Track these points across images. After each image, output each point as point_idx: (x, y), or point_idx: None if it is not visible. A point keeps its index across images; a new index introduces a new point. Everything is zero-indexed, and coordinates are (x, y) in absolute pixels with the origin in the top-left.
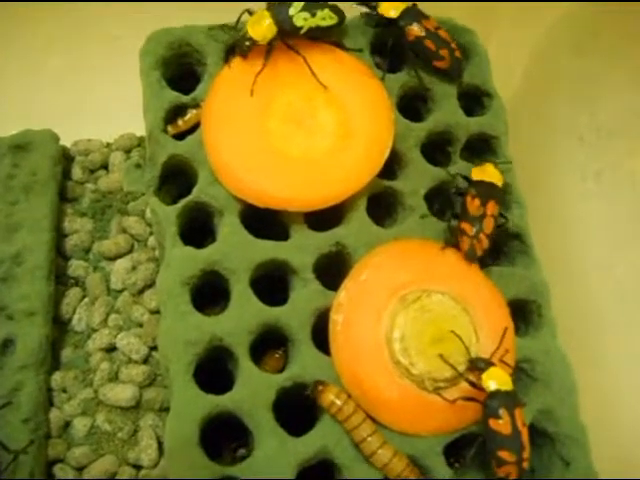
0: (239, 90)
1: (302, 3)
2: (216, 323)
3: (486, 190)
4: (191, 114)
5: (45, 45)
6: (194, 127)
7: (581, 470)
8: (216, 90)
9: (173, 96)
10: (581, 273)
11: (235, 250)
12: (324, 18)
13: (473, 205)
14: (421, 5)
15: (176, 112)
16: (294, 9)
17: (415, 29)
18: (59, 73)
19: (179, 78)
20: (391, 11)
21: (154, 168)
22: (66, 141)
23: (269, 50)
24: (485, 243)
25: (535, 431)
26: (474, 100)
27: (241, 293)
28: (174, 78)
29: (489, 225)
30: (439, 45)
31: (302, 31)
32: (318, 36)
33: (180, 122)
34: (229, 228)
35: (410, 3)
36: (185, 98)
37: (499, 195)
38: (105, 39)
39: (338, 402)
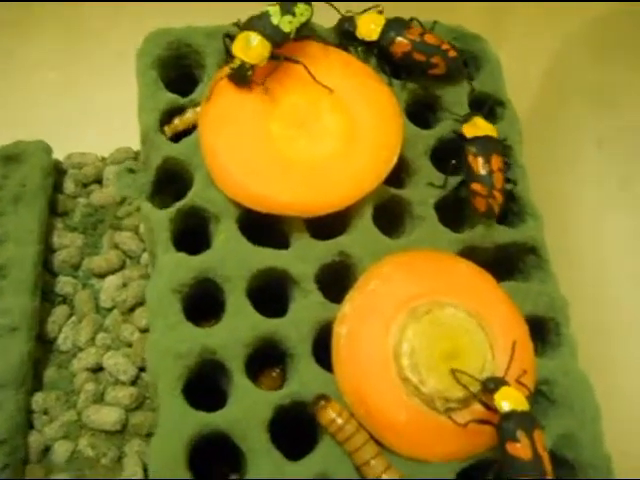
0: (239, 91)
1: (277, 6)
2: (209, 334)
3: (485, 145)
4: (189, 113)
5: (42, 58)
6: (190, 129)
7: None
8: (214, 90)
9: (170, 98)
10: (601, 288)
11: (231, 257)
12: (302, 13)
13: (477, 163)
14: (430, 15)
15: (173, 114)
16: (275, 17)
17: (400, 45)
18: (55, 86)
19: (176, 81)
20: (372, 34)
21: (148, 173)
22: (61, 155)
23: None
24: (500, 198)
25: (554, 458)
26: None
27: (236, 303)
28: (171, 81)
29: (499, 180)
30: (429, 53)
31: (292, 35)
32: (305, 34)
33: (177, 121)
34: (225, 234)
35: (379, 11)
36: (182, 100)
37: (499, 147)
38: (103, 52)
39: (339, 420)
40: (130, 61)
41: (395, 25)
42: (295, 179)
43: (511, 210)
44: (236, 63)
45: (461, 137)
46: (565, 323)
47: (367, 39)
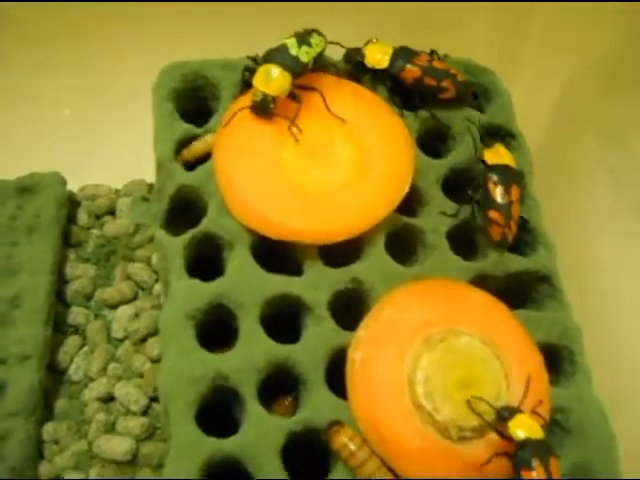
0: (253, 120)
1: (293, 38)
2: (222, 360)
3: (505, 174)
4: (196, 143)
5: (57, 92)
6: (204, 158)
7: None
8: (231, 120)
9: (185, 128)
10: (615, 317)
11: (244, 283)
12: (317, 44)
13: (497, 192)
14: (439, 49)
15: (188, 144)
16: (293, 48)
17: (410, 71)
18: (70, 119)
19: (192, 112)
20: (381, 62)
21: (162, 201)
22: (75, 186)
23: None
24: (514, 229)
25: None
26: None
27: (249, 329)
28: (187, 112)
29: (516, 211)
30: (440, 77)
31: (310, 66)
32: (321, 65)
33: (184, 152)
34: (239, 260)
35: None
36: (198, 130)
37: (518, 177)
38: (116, 87)
39: (352, 446)
40: (143, 95)
41: (403, 53)
42: (308, 207)
43: (523, 240)
44: (258, 95)
45: (482, 162)
46: (579, 352)
47: (377, 67)
